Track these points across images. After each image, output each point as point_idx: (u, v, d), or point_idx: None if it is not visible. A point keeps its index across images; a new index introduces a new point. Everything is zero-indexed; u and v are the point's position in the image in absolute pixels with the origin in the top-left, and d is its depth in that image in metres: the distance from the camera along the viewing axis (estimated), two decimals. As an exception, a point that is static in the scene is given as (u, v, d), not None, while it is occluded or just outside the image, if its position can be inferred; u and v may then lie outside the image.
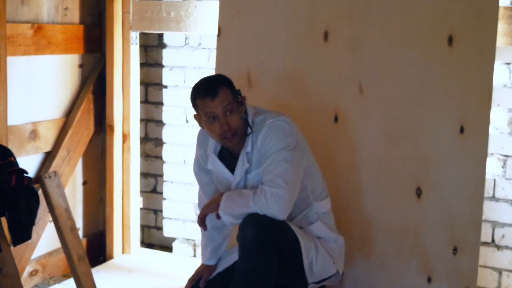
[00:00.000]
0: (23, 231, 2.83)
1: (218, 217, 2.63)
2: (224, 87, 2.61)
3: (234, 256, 2.81)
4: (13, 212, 2.77)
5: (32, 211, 2.84)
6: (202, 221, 2.70)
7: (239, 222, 2.59)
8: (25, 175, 2.84)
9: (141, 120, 4.09)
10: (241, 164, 2.69)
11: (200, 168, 2.88)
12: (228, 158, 2.76)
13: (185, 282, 3.01)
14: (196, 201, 3.14)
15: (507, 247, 3.32)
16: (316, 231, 2.77)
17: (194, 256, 4.05)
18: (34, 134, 3.46)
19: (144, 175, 4.17)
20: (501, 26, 3.01)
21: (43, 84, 3.55)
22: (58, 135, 3.65)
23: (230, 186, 2.74)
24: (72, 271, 3.26)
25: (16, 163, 2.85)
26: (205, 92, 2.60)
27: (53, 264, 3.70)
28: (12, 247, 2.97)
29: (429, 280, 3.06)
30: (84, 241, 3.93)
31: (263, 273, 2.50)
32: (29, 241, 3.33)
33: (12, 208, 2.76)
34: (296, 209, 2.71)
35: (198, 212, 2.93)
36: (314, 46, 3.23)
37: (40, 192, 3.27)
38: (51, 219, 3.38)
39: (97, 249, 4.04)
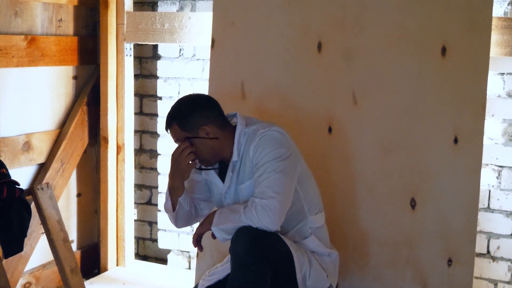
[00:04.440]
0: (14, 243, 2.82)
1: (214, 236, 2.61)
2: (174, 124, 2.66)
3: (226, 268, 2.79)
4: (4, 224, 2.76)
5: (23, 223, 2.83)
6: (197, 242, 2.68)
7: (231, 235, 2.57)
8: (16, 186, 2.83)
9: (136, 131, 4.08)
10: (230, 174, 2.70)
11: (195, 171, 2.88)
12: (225, 168, 2.76)
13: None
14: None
15: (502, 259, 3.30)
16: (310, 245, 2.75)
17: (189, 268, 4.03)
18: (27, 146, 3.45)
19: (139, 186, 4.16)
20: (495, 37, 3.01)
21: (37, 96, 3.54)
22: (52, 147, 3.63)
23: (222, 196, 2.74)
24: (64, 284, 3.25)
25: (7, 175, 2.85)
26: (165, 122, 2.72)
27: (46, 276, 3.68)
28: (4, 259, 2.96)
29: (424, 291, 3.05)
30: (78, 253, 3.91)
31: (255, 287, 2.48)
32: (22, 253, 3.32)
33: (3, 220, 2.76)
34: (291, 223, 2.69)
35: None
36: (307, 57, 3.23)
37: (32, 204, 3.26)
38: (44, 231, 3.37)
39: (92, 261, 4.02)
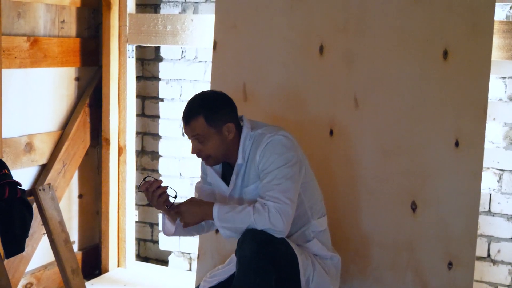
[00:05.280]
0: (16, 244, 2.82)
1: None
2: (199, 116, 2.58)
3: (227, 270, 2.80)
4: (6, 224, 2.77)
5: (25, 223, 2.84)
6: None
7: (238, 236, 2.57)
8: (18, 187, 2.83)
9: (138, 133, 4.09)
10: (234, 177, 2.69)
11: (204, 182, 2.89)
12: (229, 171, 2.76)
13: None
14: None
15: (503, 262, 3.30)
16: (312, 248, 2.76)
17: (190, 269, 4.03)
18: (29, 147, 3.45)
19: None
20: (496, 40, 3.02)
21: (39, 97, 3.55)
22: (53, 148, 3.64)
23: (226, 199, 2.75)
24: (65, 284, 3.25)
25: (9, 175, 2.85)
26: (183, 115, 2.63)
27: (48, 277, 3.68)
28: (6, 260, 2.96)
29: (424, 294, 3.05)
30: (79, 254, 3.91)
31: None
32: (24, 254, 3.33)
33: (5, 221, 2.76)
34: (294, 227, 2.69)
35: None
36: (309, 60, 3.23)
37: (34, 205, 3.27)
38: (45, 231, 3.38)
39: (93, 263, 4.02)
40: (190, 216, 2.61)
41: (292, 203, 2.54)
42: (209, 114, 2.59)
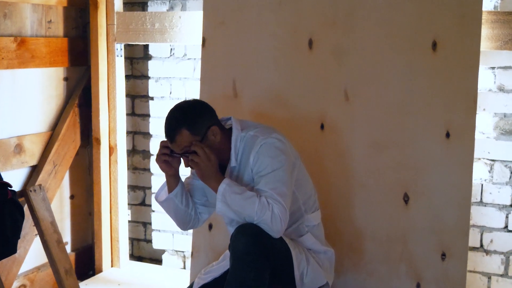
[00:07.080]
0: (7, 245, 2.80)
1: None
2: (182, 129, 2.55)
3: (222, 266, 2.79)
4: (-3, 226, 2.75)
5: (16, 225, 2.82)
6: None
7: (230, 216, 2.58)
8: (9, 188, 2.82)
9: (128, 132, 4.08)
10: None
11: (194, 177, 2.86)
12: (221, 171, 2.73)
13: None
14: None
15: (495, 252, 3.31)
16: (306, 243, 2.76)
17: (184, 268, 4.02)
18: (19, 148, 3.44)
19: (132, 187, 4.15)
20: (485, 31, 3.02)
21: (28, 98, 3.53)
22: (44, 149, 3.62)
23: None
24: (59, 286, 3.24)
25: (-1, 177, 2.84)
26: (166, 134, 2.61)
27: (41, 279, 3.67)
28: (-2, 262, 2.96)
29: (418, 286, 3.05)
30: (72, 255, 3.90)
31: (255, 285, 2.48)
32: (16, 256, 3.32)
33: (-4, 222, 2.74)
34: (288, 221, 2.68)
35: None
36: (298, 55, 3.23)
37: (25, 206, 3.25)
38: (37, 233, 3.36)
39: (86, 263, 4.01)
40: (202, 168, 2.57)
41: (288, 207, 2.55)
42: (191, 124, 2.57)
